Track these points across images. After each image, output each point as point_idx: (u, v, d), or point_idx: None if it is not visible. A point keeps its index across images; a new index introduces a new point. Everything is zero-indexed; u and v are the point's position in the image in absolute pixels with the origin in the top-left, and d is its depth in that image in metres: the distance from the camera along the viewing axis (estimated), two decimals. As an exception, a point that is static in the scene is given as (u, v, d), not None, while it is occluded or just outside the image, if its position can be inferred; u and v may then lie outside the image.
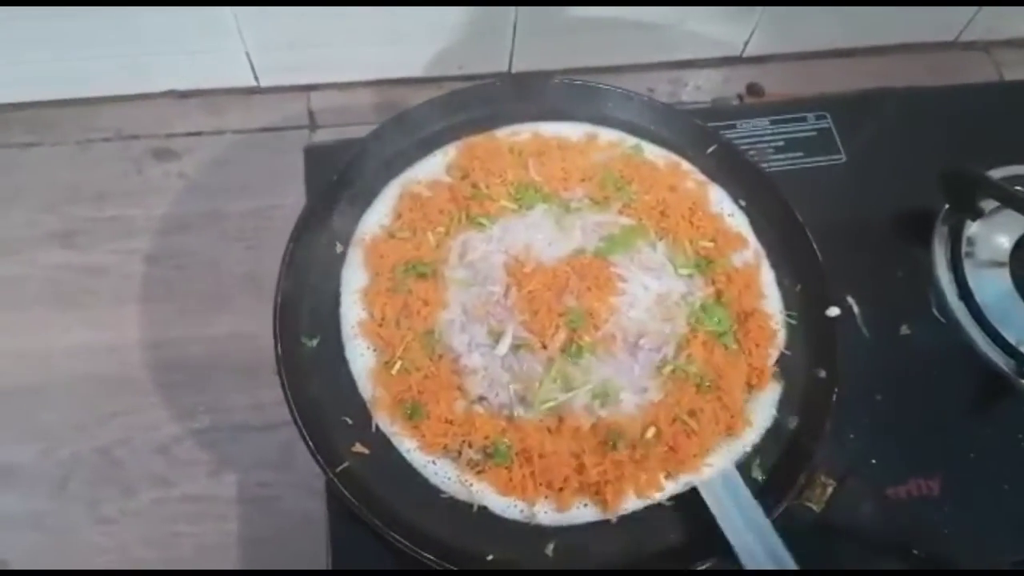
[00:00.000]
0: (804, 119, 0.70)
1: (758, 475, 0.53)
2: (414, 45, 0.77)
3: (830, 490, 0.50)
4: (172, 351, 0.68)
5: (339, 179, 0.59)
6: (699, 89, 0.83)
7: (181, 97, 0.78)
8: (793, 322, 0.58)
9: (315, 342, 0.55)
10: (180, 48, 0.73)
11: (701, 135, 0.63)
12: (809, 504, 0.50)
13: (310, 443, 0.50)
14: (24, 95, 0.76)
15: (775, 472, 0.52)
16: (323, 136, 0.77)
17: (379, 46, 0.77)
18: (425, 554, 0.48)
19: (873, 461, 0.57)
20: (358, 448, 0.52)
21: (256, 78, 0.78)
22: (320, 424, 0.52)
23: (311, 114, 0.78)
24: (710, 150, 0.63)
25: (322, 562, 0.53)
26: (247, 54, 0.75)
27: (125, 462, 0.64)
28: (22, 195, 0.73)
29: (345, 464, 0.51)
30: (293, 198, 0.64)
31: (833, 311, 0.56)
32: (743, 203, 0.62)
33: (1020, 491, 0.57)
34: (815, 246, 0.58)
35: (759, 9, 0.79)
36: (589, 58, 0.81)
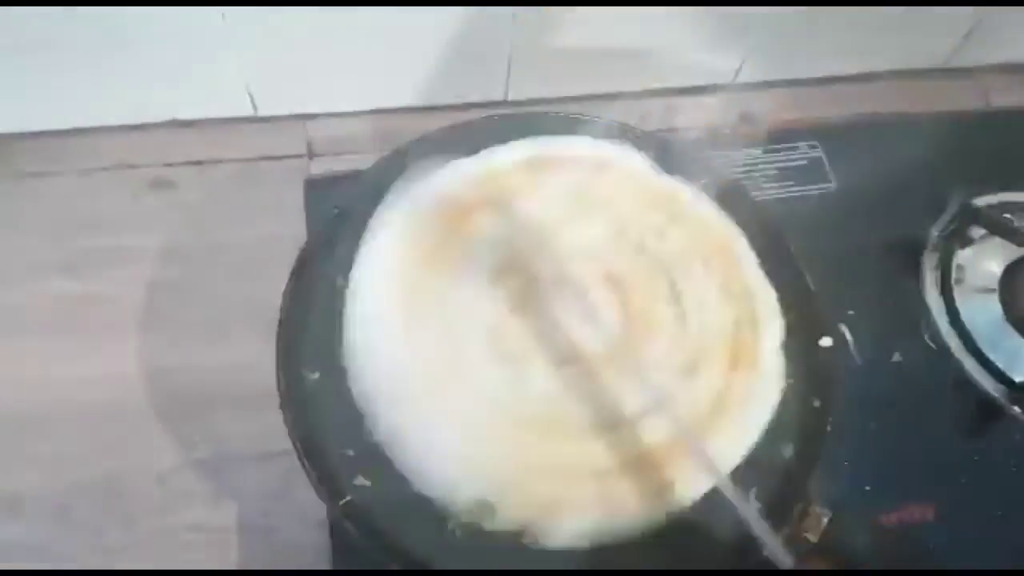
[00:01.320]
0: (796, 148, 0.72)
1: (754, 504, 0.53)
2: (411, 75, 0.78)
3: (825, 521, 0.51)
4: (171, 380, 0.68)
5: (340, 212, 0.60)
6: (692, 117, 0.84)
7: (180, 127, 0.78)
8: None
9: (316, 375, 0.56)
10: (179, 78, 0.74)
11: (695, 165, 0.64)
12: (806, 535, 0.51)
13: (313, 476, 0.51)
14: (24, 125, 0.76)
15: (771, 502, 0.53)
16: (321, 165, 0.78)
17: (376, 76, 0.78)
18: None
19: (867, 488, 0.58)
20: (360, 481, 0.53)
21: (254, 107, 0.78)
22: (322, 457, 0.52)
23: (309, 143, 0.79)
24: (703, 181, 0.64)
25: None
26: (246, 84, 0.76)
27: (125, 492, 0.64)
28: (23, 224, 0.73)
29: (348, 498, 0.51)
30: (292, 227, 0.65)
31: (826, 341, 0.57)
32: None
33: (1013, 517, 0.58)
34: (808, 277, 0.59)
35: (750, 36, 0.80)
36: (584, 86, 0.82)
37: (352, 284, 0.58)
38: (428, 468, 0.52)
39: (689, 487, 0.53)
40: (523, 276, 0.58)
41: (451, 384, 0.54)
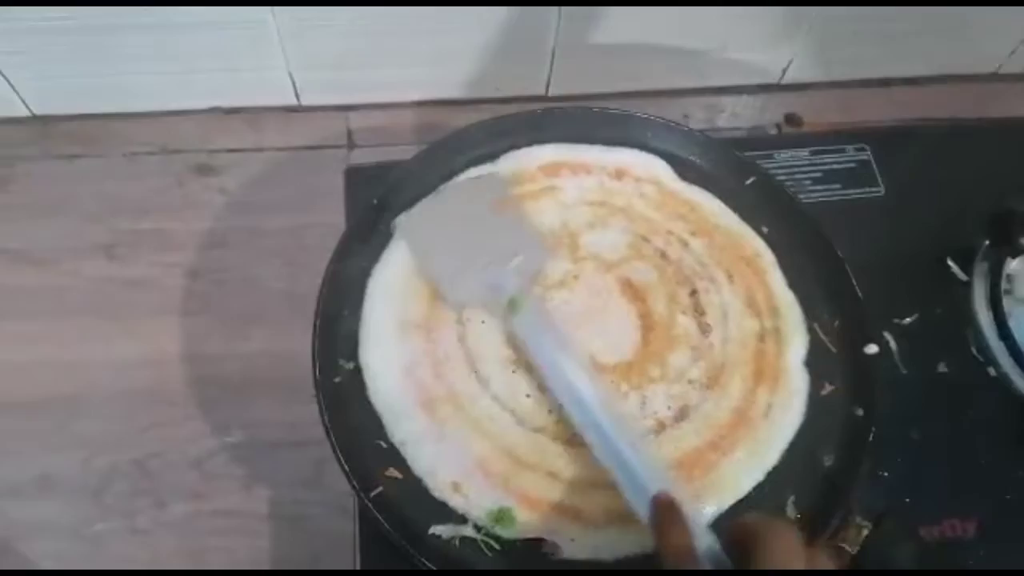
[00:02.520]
0: (843, 150, 0.70)
1: (792, 513, 0.52)
2: (453, 68, 0.78)
3: (865, 532, 0.50)
4: (208, 365, 0.68)
5: (380, 203, 0.60)
6: (735, 116, 0.83)
7: (224, 114, 0.79)
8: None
9: (352, 365, 0.56)
10: (225, 66, 0.74)
11: (739, 165, 0.63)
12: (844, 545, 0.50)
13: (345, 467, 0.51)
14: (70, 108, 0.78)
15: (810, 511, 0.52)
16: (361, 156, 0.78)
17: (419, 67, 0.77)
18: (457, 582, 0.48)
19: (907, 500, 0.57)
20: (392, 472, 0.52)
21: (297, 96, 0.79)
22: (355, 447, 0.52)
23: (350, 133, 0.79)
24: (749, 181, 0.63)
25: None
26: (289, 73, 0.76)
27: (160, 475, 0.65)
28: (66, 206, 0.74)
29: (379, 489, 0.51)
30: (331, 216, 0.65)
31: (871, 348, 0.56)
32: (766, 230, 0.62)
33: (1059, 536, 0.57)
34: (855, 283, 0.57)
35: (798, 35, 0.78)
36: (625, 83, 0.81)
37: (371, 283, 0.58)
38: (444, 475, 0.52)
39: (711, 503, 0.52)
40: (542, 282, 0.57)
41: (468, 392, 0.54)
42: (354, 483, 0.50)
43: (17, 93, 0.75)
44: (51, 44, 0.71)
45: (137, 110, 0.78)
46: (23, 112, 0.77)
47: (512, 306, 0.54)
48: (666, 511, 0.45)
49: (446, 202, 0.60)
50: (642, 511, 0.47)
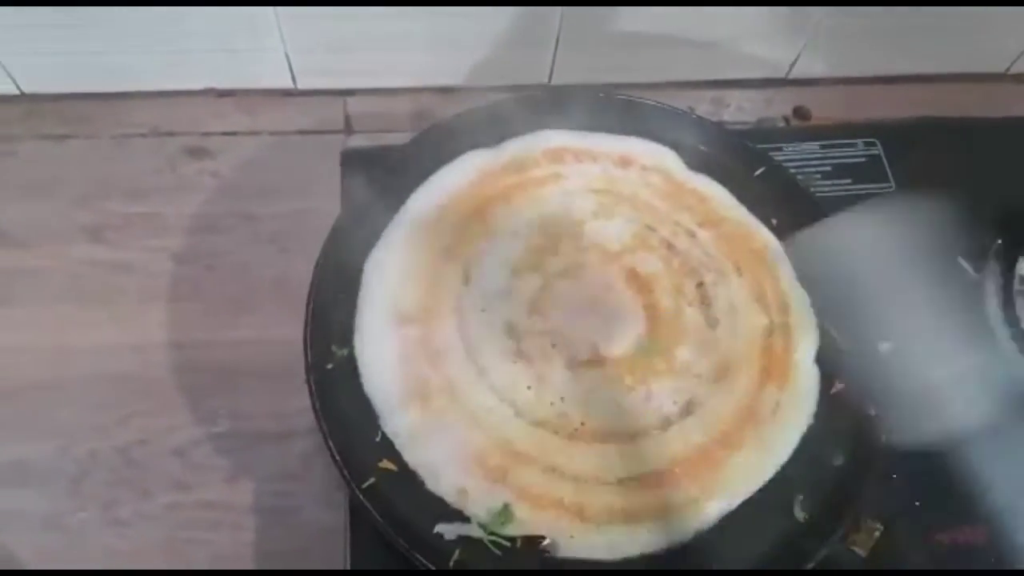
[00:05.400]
0: (854, 145, 0.69)
1: (800, 515, 0.50)
2: (454, 54, 0.76)
3: (877, 534, 0.48)
4: (196, 353, 0.66)
5: (377, 187, 0.58)
6: (741, 110, 0.81)
7: (218, 96, 0.77)
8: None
9: (345, 352, 0.53)
10: (220, 46, 0.72)
11: (749, 156, 0.61)
12: (855, 548, 0.48)
13: (337, 457, 0.49)
14: (60, 87, 0.75)
15: (819, 512, 0.50)
16: (358, 141, 0.76)
17: (418, 53, 0.76)
18: (449, 578, 0.46)
19: (917, 504, 0.55)
20: (386, 464, 0.50)
21: (294, 80, 0.77)
22: (347, 437, 0.50)
23: (347, 118, 0.77)
24: (758, 172, 0.61)
25: (340, 577, 0.51)
26: (286, 55, 0.74)
27: (142, 464, 0.62)
28: (54, 187, 0.72)
29: (371, 480, 0.49)
30: (326, 203, 0.63)
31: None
32: (775, 222, 0.60)
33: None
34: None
35: (807, 29, 0.77)
36: (630, 74, 0.79)
37: (367, 269, 0.56)
38: (439, 469, 0.50)
39: (716, 502, 0.50)
40: (544, 272, 0.56)
41: (466, 382, 0.52)
42: (345, 473, 0.48)
43: (6, 70, 0.73)
44: (42, 20, 0.68)
45: (129, 90, 0.76)
46: (12, 90, 0.75)
47: None
48: None
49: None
50: None
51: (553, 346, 0.53)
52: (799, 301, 0.56)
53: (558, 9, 0.71)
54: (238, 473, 0.62)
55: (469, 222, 0.57)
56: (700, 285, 0.56)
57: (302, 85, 0.77)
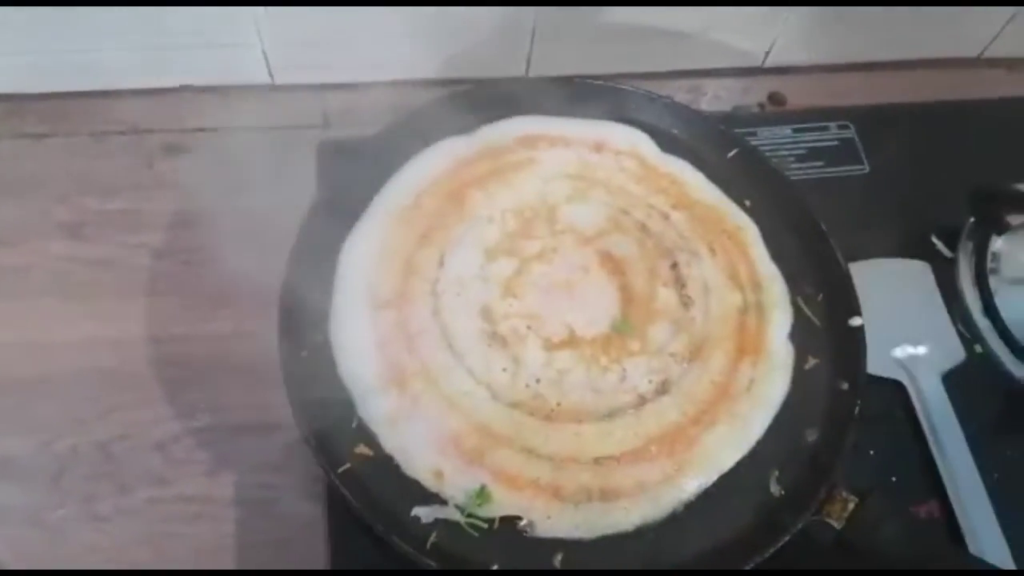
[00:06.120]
0: (826, 128, 0.69)
1: (775, 490, 0.50)
2: (431, 47, 0.76)
3: (851, 506, 0.48)
4: (175, 347, 0.66)
5: (352, 174, 0.58)
6: (718, 98, 0.82)
7: (196, 93, 0.77)
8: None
9: (320, 338, 0.54)
10: (197, 43, 0.72)
11: (722, 139, 0.62)
12: (830, 520, 0.48)
13: (312, 442, 0.49)
14: (39, 86, 0.75)
15: (794, 487, 0.50)
16: (335, 135, 0.76)
17: (395, 47, 0.76)
18: (427, 560, 0.46)
19: (894, 479, 0.55)
20: (362, 450, 0.50)
21: (271, 75, 0.77)
22: (323, 423, 0.50)
23: (325, 114, 0.77)
24: (731, 154, 0.61)
25: (321, 566, 0.51)
26: (264, 51, 0.74)
27: (122, 458, 0.62)
28: (33, 185, 0.72)
29: (347, 465, 0.49)
30: (305, 199, 0.63)
31: (856, 321, 0.54)
32: (748, 203, 0.60)
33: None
34: (839, 255, 0.56)
35: (781, 19, 0.77)
36: (606, 65, 0.80)
37: (343, 257, 0.56)
38: (416, 453, 0.50)
39: (693, 479, 0.50)
40: (519, 255, 0.56)
41: (442, 366, 0.52)
42: (321, 459, 0.48)
43: (-17, 70, 0.73)
44: (19, 19, 0.68)
45: (107, 88, 0.76)
46: (-11, 89, 0.75)
47: None
48: None
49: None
50: None
51: (528, 328, 0.53)
52: (772, 279, 0.57)
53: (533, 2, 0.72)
54: (218, 466, 0.62)
55: (444, 208, 0.57)
56: (674, 266, 0.56)
57: (280, 81, 0.77)
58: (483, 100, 0.61)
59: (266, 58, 0.75)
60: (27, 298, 0.67)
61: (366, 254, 0.56)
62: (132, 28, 0.70)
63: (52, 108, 0.75)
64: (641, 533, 0.49)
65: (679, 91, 0.82)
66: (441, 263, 0.55)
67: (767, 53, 0.81)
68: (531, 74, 0.80)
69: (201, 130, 0.76)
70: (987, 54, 0.85)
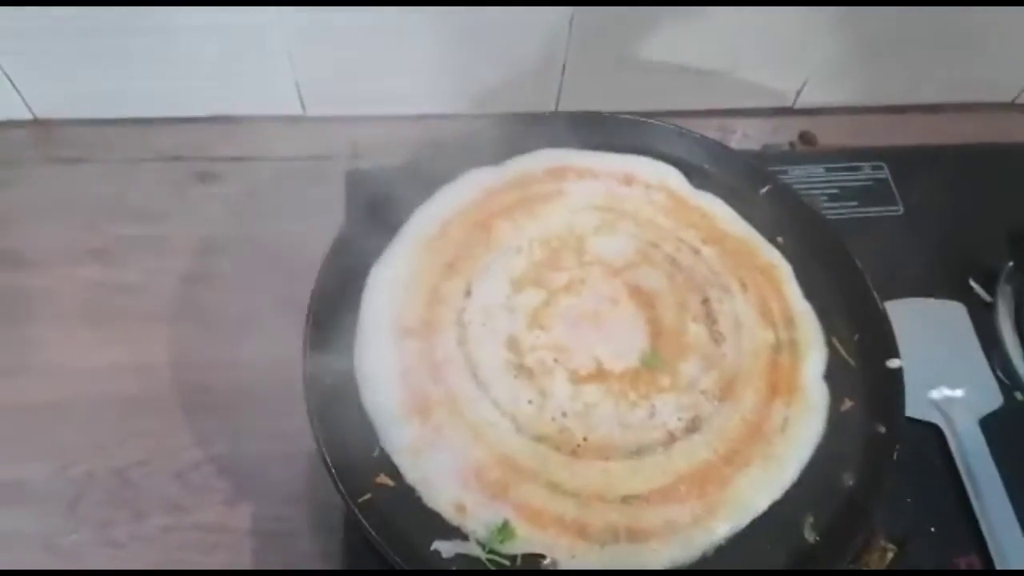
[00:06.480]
0: (860, 168, 0.68)
1: (810, 536, 0.48)
2: (461, 82, 0.77)
3: (890, 555, 0.46)
4: (199, 373, 0.66)
5: (380, 202, 0.58)
6: (747, 137, 0.81)
7: (229, 122, 0.78)
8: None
9: (345, 366, 0.53)
10: (231, 74, 0.74)
11: (754, 175, 0.61)
12: (868, 569, 0.46)
13: (332, 470, 0.48)
14: (73, 112, 0.77)
15: (830, 533, 0.48)
16: (365, 165, 0.76)
17: (425, 81, 0.77)
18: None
19: (932, 529, 0.53)
20: (383, 479, 0.49)
21: (303, 107, 0.78)
22: (344, 451, 0.49)
23: (354, 145, 0.78)
24: (763, 191, 0.61)
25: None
26: (296, 83, 0.75)
27: (140, 484, 0.61)
28: (63, 210, 0.73)
29: (368, 495, 0.48)
30: (332, 228, 0.63)
31: (895, 363, 0.53)
32: (781, 240, 0.59)
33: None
34: (876, 295, 0.55)
35: (813, 58, 0.77)
36: (636, 102, 0.79)
37: (369, 284, 0.55)
38: (438, 484, 0.49)
39: (724, 522, 0.48)
40: (546, 286, 0.55)
41: (466, 396, 0.51)
42: (340, 488, 0.47)
43: (20, 95, 0.74)
44: (55, 47, 0.70)
45: (140, 116, 0.77)
46: (25, 115, 0.76)
47: None
48: None
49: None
50: None
51: (555, 361, 0.52)
52: (805, 317, 0.55)
53: (564, 36, 0.72)
54: (236, 496, 0.61)
55: (471, 237, 0.57)
56: (705, 301, 0.55)
57: (311, 112, 0.78)
58: (512, 132, 0.61)
59: (298, 90, 0.76)
60: (49, 322, 0.68)
61: (392, 282, 0.55)
62: (166, 57, 0.72)
63: (86, 134, 0.77)
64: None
65: (708, 130, 0.80)
66: (468, 293, 0.55)
67: (798, 93, 0.81)
68: (560, 109, 0.80)
69: (232, 159, 0.76)
70: (1022, 99, 0.84)
